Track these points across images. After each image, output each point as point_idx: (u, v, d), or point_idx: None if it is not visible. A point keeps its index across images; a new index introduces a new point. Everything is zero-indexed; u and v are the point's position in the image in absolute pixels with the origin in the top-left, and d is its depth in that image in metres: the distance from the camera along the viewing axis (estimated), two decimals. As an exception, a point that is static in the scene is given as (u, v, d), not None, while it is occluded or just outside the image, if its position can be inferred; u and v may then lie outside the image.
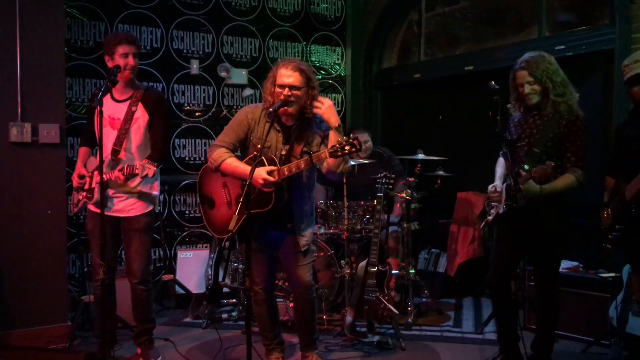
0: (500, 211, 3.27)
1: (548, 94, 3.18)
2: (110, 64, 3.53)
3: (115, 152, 3.51)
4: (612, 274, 4.02)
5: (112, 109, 3.58)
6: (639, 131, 2.78)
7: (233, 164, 3.24)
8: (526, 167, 3.09)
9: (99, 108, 3.12)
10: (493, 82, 3.15)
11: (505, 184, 3.23)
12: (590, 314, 3.99)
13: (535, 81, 3.18)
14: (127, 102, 3.59)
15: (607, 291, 3.92)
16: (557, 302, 3.37)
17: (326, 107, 3.16)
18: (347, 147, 2.91)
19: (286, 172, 3.11)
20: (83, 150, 3.75)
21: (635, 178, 2.66)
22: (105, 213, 3.37)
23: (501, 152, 3.53)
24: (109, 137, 3.53)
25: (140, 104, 3.58)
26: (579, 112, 3.18)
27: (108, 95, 3.59)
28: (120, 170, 3.41)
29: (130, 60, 3.51)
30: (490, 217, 3.44)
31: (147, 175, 3.29)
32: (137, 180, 3.52)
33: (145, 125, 3.57)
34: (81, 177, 3.64)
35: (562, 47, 4.69)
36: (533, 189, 3.04)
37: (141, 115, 3.57)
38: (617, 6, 4.26)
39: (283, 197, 3.21)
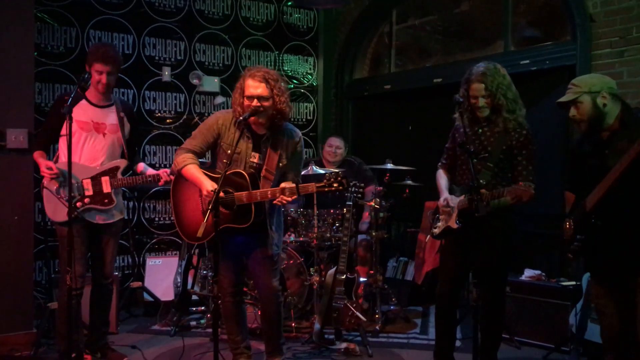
0: (455, 226, 3.28)
1: (500, 110, 3.23)
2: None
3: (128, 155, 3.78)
4: (573, 283, 4.14)
5: (93, 113, 3.67)
6: (595, 147, 2.89)
7: (192, 171, 3.28)
8: (482, 181, 3.19)
9: (68, 115, 3.11)
10: (458, 95, 3.22)
11: (465, 196, 3.27)
12: (551, 321, 4.10)
13: (489, 95, 3.22)
14: (112, 108, 3.74)
15: (568, 299, 4.03)
16: (503, 310, 3.46)
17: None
18: (335, 185, 3.05)
19: (269, 196, 3.17)
20: (39, 154, 3.69)
21: (594, 190, 2.77)
22: (94, 221, 3.65)
23: (439, 164, 3.63)
24: (95, 141, 3.66)
25: (123, 113, 3.76)
26: (527, 126, 3.27)
27: (84, 100, 3.66)
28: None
29: (103, 79, 3.61)
30: (436, 230, 3.44)
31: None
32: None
33: (128, 133, 3.79)
34: (49, 168, 3.57)
35: (527, 61, 4.84)
36: (492, 204, 3.13)
37: (126, 124, 3.78)
38: (578, 24, 4.42)
39: (262, 213, 3.28)
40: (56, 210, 3.60)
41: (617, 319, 2.86)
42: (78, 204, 3.59)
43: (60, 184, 3.59)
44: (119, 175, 3.68)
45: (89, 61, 3.62)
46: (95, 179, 3.63)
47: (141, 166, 3.87)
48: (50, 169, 3.54)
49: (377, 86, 6.39)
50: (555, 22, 5.04)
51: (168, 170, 3.69)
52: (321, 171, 4.70)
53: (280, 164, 3.33)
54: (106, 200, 3.65)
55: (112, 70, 3.61)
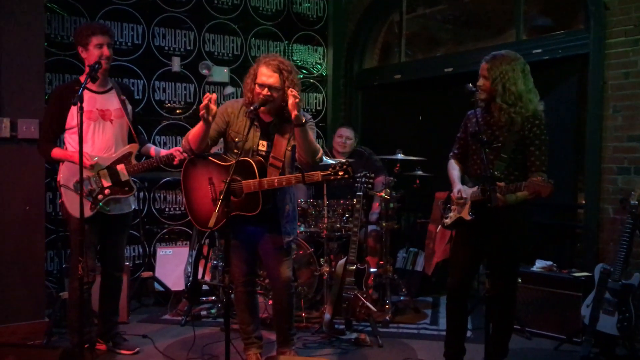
0: (468, 218, 3.24)
1: (495, 97, 3.18)
2: (84, 55, 3.57)
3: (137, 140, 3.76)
4: (585, 274, 4.12)
5: (96, 100, 3.61)
6: None
7: (192, 131, 3.26)
8: (497, 172, 3.15)
9: (79, 104, 3.10)
10: (470, 85, 3.17)
11: (477, 187, 3.23)
12: (563, 313, 4.08)
13: (488, 79, 3.18)
14: (113, 93, 3.68)
15: (580, 290, 4.01)
16: (515, 301, 3.45)
17: (291, 103, 3.06)
18: (340, 173, 3.03)
19: (276, 184, 3.17)
20: (60, 149, 3.63)
21: None
22: (113, 213, 3.64)
23: (451, 154, 3.59)
24: (104, 129, 3.62)
25: (124, 96, 3.71)
26: (539, 116, 3.19)
27: (86, 90, 3.61)
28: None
29: (106, 51, 3.54)
30: (447, 221, 3.40)
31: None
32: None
33: (132, 115, 3.77)
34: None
35: (539, 50, 4.77)
36: (510, 199, 3.11)
37: (128, 105, 3.74)
38: (592, 12, 4.36)
39: (270, 200, 3.27)
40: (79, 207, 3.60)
41: None
42: (99, 196, 3.57)
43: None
44: (134, 161, 3.66)
45: (82, 40, 3.52)
46: (111, 169, 3.61)
47: (153, 150, 3.83)
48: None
49: (387, 76, 6.34)
50: (567, 10, 4.98)
51: (181, 148, 3.62)
52: (331, 161, 4.67)
53: (289, 149, 3.32)
54: (126, 188, 3.64)
55: (110, 41, 3.57)
